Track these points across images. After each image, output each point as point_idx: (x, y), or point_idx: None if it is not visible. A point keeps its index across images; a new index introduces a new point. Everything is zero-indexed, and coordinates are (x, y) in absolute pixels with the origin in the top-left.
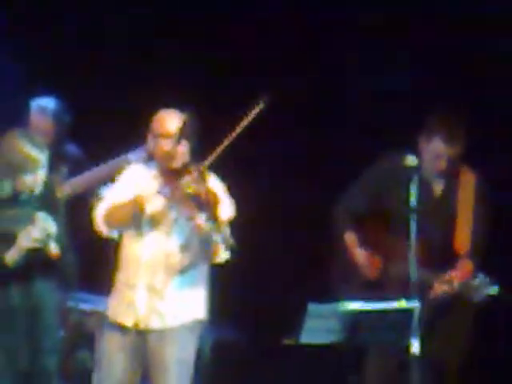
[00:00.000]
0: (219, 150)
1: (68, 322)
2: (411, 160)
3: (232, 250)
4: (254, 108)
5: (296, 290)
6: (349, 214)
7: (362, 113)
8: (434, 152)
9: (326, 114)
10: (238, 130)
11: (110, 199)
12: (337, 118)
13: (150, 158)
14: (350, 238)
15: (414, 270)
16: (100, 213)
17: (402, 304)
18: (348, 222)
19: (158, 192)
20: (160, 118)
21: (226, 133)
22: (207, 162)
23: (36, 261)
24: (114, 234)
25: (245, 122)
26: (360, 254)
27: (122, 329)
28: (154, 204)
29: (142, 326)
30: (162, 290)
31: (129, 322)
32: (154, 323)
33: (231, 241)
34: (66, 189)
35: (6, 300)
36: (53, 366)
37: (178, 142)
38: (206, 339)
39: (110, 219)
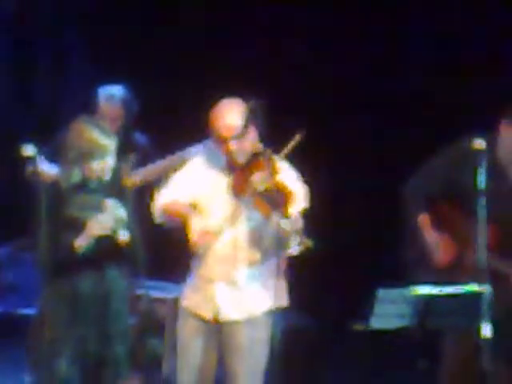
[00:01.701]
0: (287, 149)
1: (138, 309)
2: (479, 144)
3: (306, 245)
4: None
5: (366, 276)
6: (420, 196)
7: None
8: None
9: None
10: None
11: (168, 193)
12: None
13: (217, 152)
14: (424, 220)
15: (482, 256)
16: (158, 206)
17: (472, 288)
18: (420, 204)
19: (229, 191)
20: (220, 118)
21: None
22: (277, 157)
23: (105, 248)
24: (174, 226)
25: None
26: (434, 237)
27: (199, 318)
28: (224, 201)
29: (221, 318)
30: (239, 283)
31: (209, 315)
32: (233, 315)
33: (305, 238)
34: (134, 177)
35: (76, 287)
36: (123, 353)
37: (243, 134)
38: (277, 325)
39: (166, 215)
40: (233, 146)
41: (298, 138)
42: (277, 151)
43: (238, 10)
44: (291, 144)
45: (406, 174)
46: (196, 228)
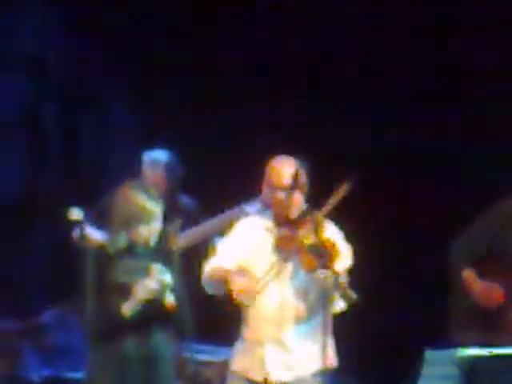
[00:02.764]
0: (333, 200)
1: (184, 372)
2: None
3: (351, 300)
4: (343, 186)
5: (412, 337)
6: (467, 255)
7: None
8: None
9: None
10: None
11: (215, 262)
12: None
13: (265, 209)
14: (469, 274)
15: None
16: (205, 275)
17: None
18: (466, 261)
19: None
20: (274, 168)
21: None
22: (323, 212)
23: (152, 312)
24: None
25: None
26: (479, 285)
27: (249, 381)
28: (270, 260)
29: (272, 380)
30: (287, 344)
31: (258, 378)
32: (284, 377)
33: (350, 291)
34: (181, 241)
35: (122, 351)
36: None
37: (293, 191)
38: None
39: (212, 283)
40: (283, 197)
41: (344, 188)
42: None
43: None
44: (337, 196)
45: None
46: (238, 284)
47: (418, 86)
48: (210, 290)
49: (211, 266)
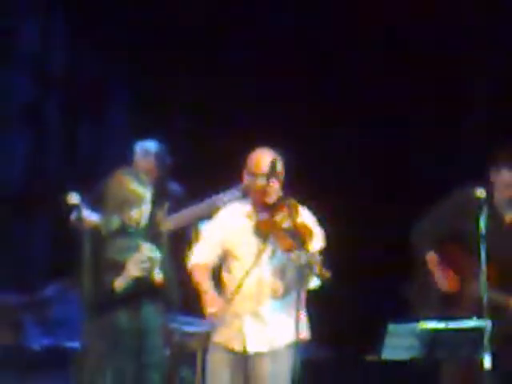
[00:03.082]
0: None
1: (171, 342)
2: (480, 192)
3: (324, 278)
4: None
5: (377, 310)
6: (427, 238)
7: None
8: (502, 182)
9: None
10: None
11: (201, 251)
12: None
13: (244, 196)
14: (432, 257)
15: (484, 292)
16: (190, 264)
17: (474, 322)
18: (428, 244)
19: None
20: (254, 157)
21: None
22: (292, 200)
23: (142, 287)
24: None
25: None
26: (440, 270)
27: (229, 352)
28: (250, 243)
29: (249, 350)
30: (265, 317)
31: (238, 347)
32: (261, 347)
33: (324, 270)
34: (169, 223)
35: (115, 323)
36: (158, 382)
37: (271, 178)
38: (298, 356)
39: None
40: (262, 183)
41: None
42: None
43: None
44: None
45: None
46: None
47: None
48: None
49: (198, 259)
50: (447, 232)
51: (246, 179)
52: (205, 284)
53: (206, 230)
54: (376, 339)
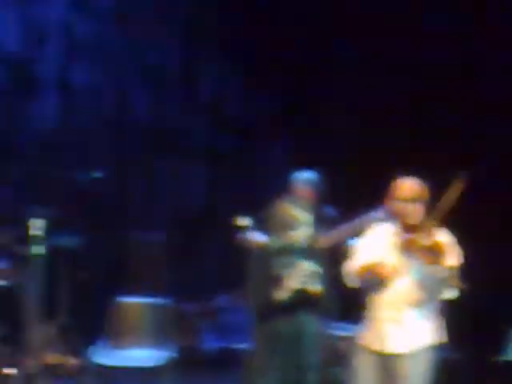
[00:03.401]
0: (442, 209)
1: (325, 345)
2: None
3: (460, 289)
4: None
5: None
6: None
7: None
8: None
9: None
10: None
11: (360, 258)
12: None
13: (390, 217)
14: None
15: None
16: (351, 268)
17: None
18: None
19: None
20: (399, 184)
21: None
22: (436, 220)
23: (301, 297)
24: (357, 285)
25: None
26: None
27: (372, 353)
28: (396, 257)
29: (389, 351)
30: (403, 322)
31: (379, 349)
32: (400, 349)
33: (459, 282)
34: (324, 241)
35: (277, 329)
36: (314, 380)
37: (416, 201)
38: (436, 357)
39: (360, 277)
40: (407, 207)
41: (455, 190)
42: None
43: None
44: (448, 200)
45: None
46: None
47: None
48: (349, 283)
49: (358, 264)
50: None
51: (391, 203)
52: (366, 261)
53: (359, 244)
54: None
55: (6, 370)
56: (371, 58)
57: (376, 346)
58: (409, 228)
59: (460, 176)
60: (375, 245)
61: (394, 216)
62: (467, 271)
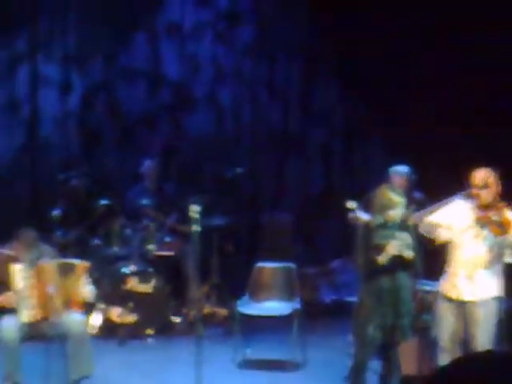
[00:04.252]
0: None
1: (416, 297)
2: None
3: None
4: None
5: None
6: None
7: None
8: None
9: None
10: None
11: (435, 217)
12: None
13: (468, 197)
14: None
15: None
16: (426, 220)
17: None
18: None
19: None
20: (475, 174)
21: None
22: (503, 204)
23: (397, 261)
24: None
25: None
26: None
27: (449, 300)
28: (471, 228)
29: (462, 298)
30: (474, 278)
31: (455, 297)
32: (470, 297)
33: None
34: (414, 219)
35: (379, 285)
36: (407, 325)
37: (486, 187)
38: (501, 307)
39: (427, 227)
40: (479, 191)
41: None
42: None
43: None
44: None
45: None
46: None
47: None
48: (421, 230)
49: (431, 220)
50: None
51: (469, 188)
52: (436, 221)
53: (442, 210)
54: None
55: (174, 319)
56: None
57: (453, 295)
58: (482, 207)
59: None
60: (451, 215)
61: (471, 198)
62: None
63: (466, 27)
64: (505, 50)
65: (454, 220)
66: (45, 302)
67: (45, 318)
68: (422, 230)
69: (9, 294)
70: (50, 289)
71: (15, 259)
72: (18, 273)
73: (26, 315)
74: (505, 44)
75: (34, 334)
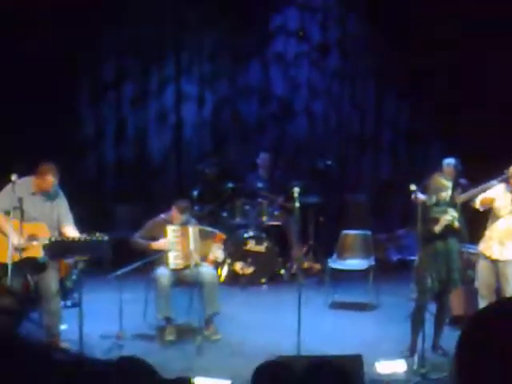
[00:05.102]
0: None
1: (462, 257)
2: None
3: None
4: None
5: None
6: None
7: None
8: None
9: None
10: None
11: (483, 196)
12: None
13: (505, 181)
14: None
15: None
16: (479, 198)
17: None
18: None
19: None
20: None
21: None
22: None
23: (448, 229)
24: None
25: None
26: None
27: (486, 258)
28: (507, 204)
29: (493, 257)
30: (506, 243)
31: (489, 255)
32: (503, 257)
33: None
34: (461, 199)
35: (435, 247)
36: (458, 277)
37: None
38: None
39: (480, 203)
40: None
41: None
42: None
43: None
44: None
45: None
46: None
47: None
48: (477, 206)
49: (481, 197)
50: None
51: (506, 174)
52: (484, 197)
53: (487, 191)
54: None
55: (281, 271)
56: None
57: (487, 254)
58: None
59: None
60: (494, 194)
61: (507, 182)
62: None
63: None
64: None
65: (496, 197)
66: (187, 256)
67: (186, 267)
68: (477, 202)
69: (164, 241)
70: (192, 246)
71: (169, 222)
72: (171, 231)
73: (173, 264)
74: None
75: (179, 280)
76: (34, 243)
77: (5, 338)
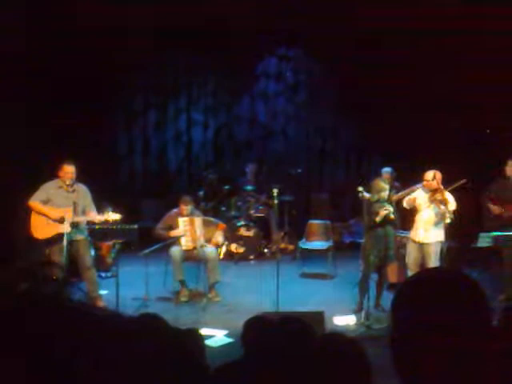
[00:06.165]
0: (454, 186)
1: (396, 240)
2: None
3: (452, 219)
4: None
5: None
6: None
7: None
8: None
9: None
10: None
11: (408, 198)
12: None
13: (424, 186)
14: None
15: None
16: (406, 200)
17: None
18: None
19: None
20: (425, 174)
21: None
22: (445, 189)
23: (386, 219)
24: (407, 207)
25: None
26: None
27: (414, 242)
28: (425, 201)
29: (420, 241)
30: (427, 230)
31: (417, 239)
32: (426, 240)
33: (452, 215)
34: (394, 197)
35: (376, 233)
36: (392, 255)
37: (430, 181)
38: (442, 246)
39: (407, 203)
40: (431, 182)
41: (462, 183)
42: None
43: None
44: (456, 185)
45: None
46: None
47: None
48: (405, 206)
49: (408, 199)
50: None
51: (424, 181)
52: (410, 198)
53: (411, 194)
54: None
55: (264, 250)
56: None
57: (416, 239)
58: (432, 191)
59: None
60: (416, 195)
61: (425, 186)
62: (455, 212)
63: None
64: None
65: (418, 197)
66: (194, 239)
67: (194, 248)
68: (404, 202)
69: (177, 230)
70: (198, 232)
71: (180, 214)
72: (181, 222)
73: (184, 245)
74: None
75: (189, 257)
76: (63, 223)
77: (56, 300)
